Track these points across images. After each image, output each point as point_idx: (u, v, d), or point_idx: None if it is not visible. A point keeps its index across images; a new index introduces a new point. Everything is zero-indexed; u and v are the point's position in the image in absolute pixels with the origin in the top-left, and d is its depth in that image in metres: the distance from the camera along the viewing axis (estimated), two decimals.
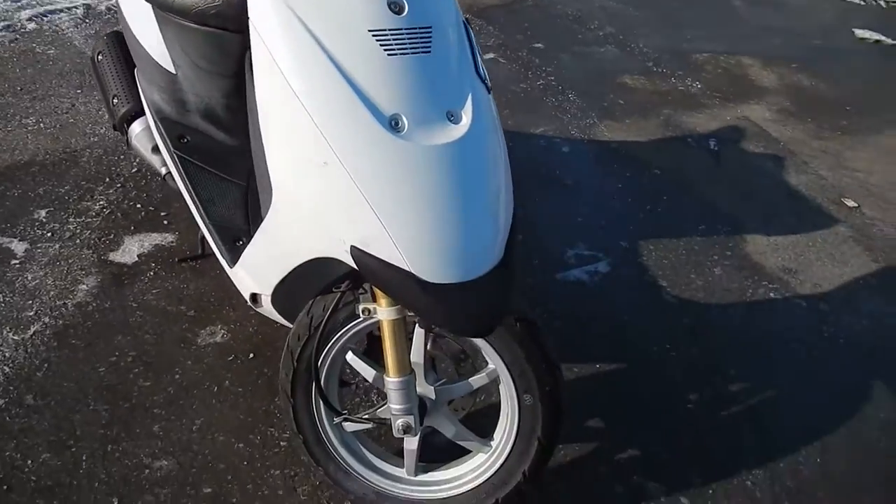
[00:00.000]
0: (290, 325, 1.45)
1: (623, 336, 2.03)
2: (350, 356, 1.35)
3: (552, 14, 4.49)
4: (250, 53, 1.22)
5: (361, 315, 1.25)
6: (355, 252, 1.07)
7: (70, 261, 2.02)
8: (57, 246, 2.06)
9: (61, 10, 3.45)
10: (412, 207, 1.05)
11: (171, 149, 1.68)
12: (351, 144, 1.05)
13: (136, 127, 1.97)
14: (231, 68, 1.65)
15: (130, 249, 2.09)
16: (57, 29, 3.29)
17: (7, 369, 1.68)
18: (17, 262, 1.99)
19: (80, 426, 1.58)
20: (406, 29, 1.10)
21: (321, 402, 1.35)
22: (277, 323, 1.82)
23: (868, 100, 3.75)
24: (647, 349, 1.99)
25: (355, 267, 1.09)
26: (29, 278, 1.94)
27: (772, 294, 2.28)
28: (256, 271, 1.37)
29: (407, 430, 1.28)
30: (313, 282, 1.27)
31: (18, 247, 2.04)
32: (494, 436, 1.37)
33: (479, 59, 1.24)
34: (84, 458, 1.52)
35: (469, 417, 1.42)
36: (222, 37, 1.60)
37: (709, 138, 3.28)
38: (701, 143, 3.23)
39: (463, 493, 1.38)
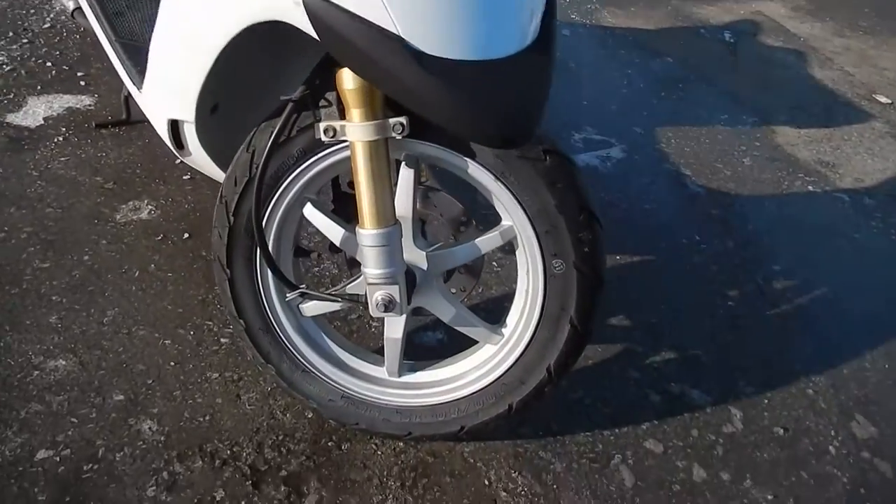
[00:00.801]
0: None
1: (645, 225, 1.69)
2: (309, 210, 0.97)
3: None
4: None
5: (324, 137, 0.86)
6: (314, 6, 0.68)
7: None
8: None
9: None
10: None
11: None
12: None
13: None
14: None
15: (35, 111, 1.65)
16: None
17: None
18: None
19: None
20: None
21: (269, 272, 0.98)
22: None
23: (886, 3, 3.44)
24: (675, 241, 1.65)
25: (311, 32, 0.70)
26: None
27: (810, 187, 1.95)
28: (170, 77, 0.95)
29: (389, 305, 0.91)
30: (249, 90, 0.88)
31: None
32: (507, 321, 1.01)
33: None
34: None
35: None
36: None
37: (723, 30, 2.95)
38: (715, 35, 2.90)
39: (463, 397, 1.02)
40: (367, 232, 0.87)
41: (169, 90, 0.95)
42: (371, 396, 1.05)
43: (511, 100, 0.72)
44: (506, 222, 0.95)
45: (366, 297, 0.93)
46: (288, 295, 0.98)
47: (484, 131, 0.74)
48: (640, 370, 1.30)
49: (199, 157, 1.06)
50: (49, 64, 1.81)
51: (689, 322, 1.43)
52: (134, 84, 1.08)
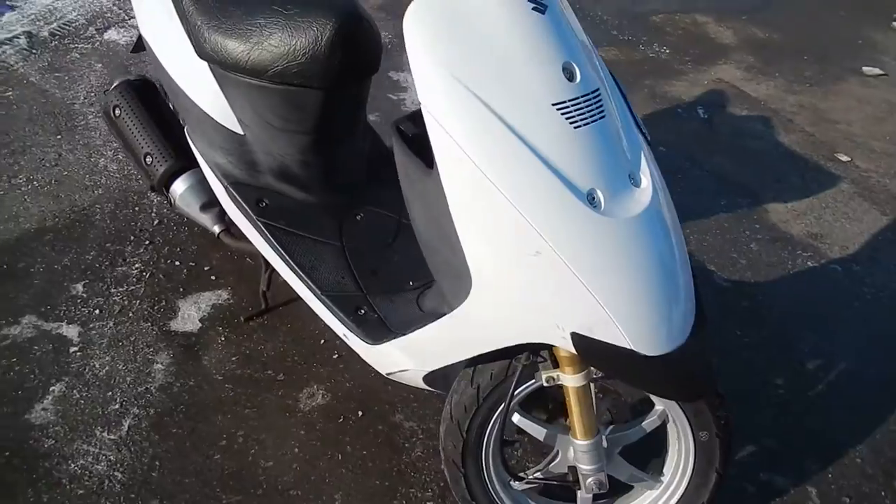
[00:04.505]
0: (427, 388, 1.43)
1: None
2: (518, 418, 1.35)
3: None
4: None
5: (545, 383, 1.24)
6: (577, 339, 1.06)
7: (132, 338, 1.88)
8: (111, 323, 1.91)
9: (1, 43, 3.12)
10: (628, 286, 1.05)
11: (254, 217, 1.58)
12: (563, 230, 1.03)
13: (178, 186, 1.84)
14: (310, 125, 1.57)
15: (189, 315, 1.96)
16: (5, 65, 2.98)
17: (119, 475, 1.57)
18: (75, 349, 1.84)
19: None
20: (581, 97, 1.07)
21: (494, 466, 1.35)
22: (372, 373, 1.77)
23: (819, 46, 3.82)
24: (724, 338, 2.05)
25: (573, 351, 1.08)
26: (97, 366, 1.80)
27: (809, 262, 2.38)
28: (425, 353, 1.32)
29: (601, 487, 1.29)
30: (492, 358, 1.25)
31: (70, 331, 1.88)
32: (664, 471, 1.40)
33: (632, 109, 1.22)
34: None
35: None
36: (302, 94, 1.51)
37: (696, 106, 3.29)
38: (691, 113, 3.24)
39: None
40: (583, 442, 1.26)
41: (418, 359, 1.33)
42: None
43: (695, 369, 1.12)
44: (658, 407, 1.34)
45: (577, 479, 1.31)
46: (513, 483, 1.35)
47: (681, 396, 1.14)
48: (734, 465, 1.70)
49: (406, 378, 1.42)
50: (177, 263, 2.12)
51: (756, 415, 1.84)
52: (356, 335, 1.43)
